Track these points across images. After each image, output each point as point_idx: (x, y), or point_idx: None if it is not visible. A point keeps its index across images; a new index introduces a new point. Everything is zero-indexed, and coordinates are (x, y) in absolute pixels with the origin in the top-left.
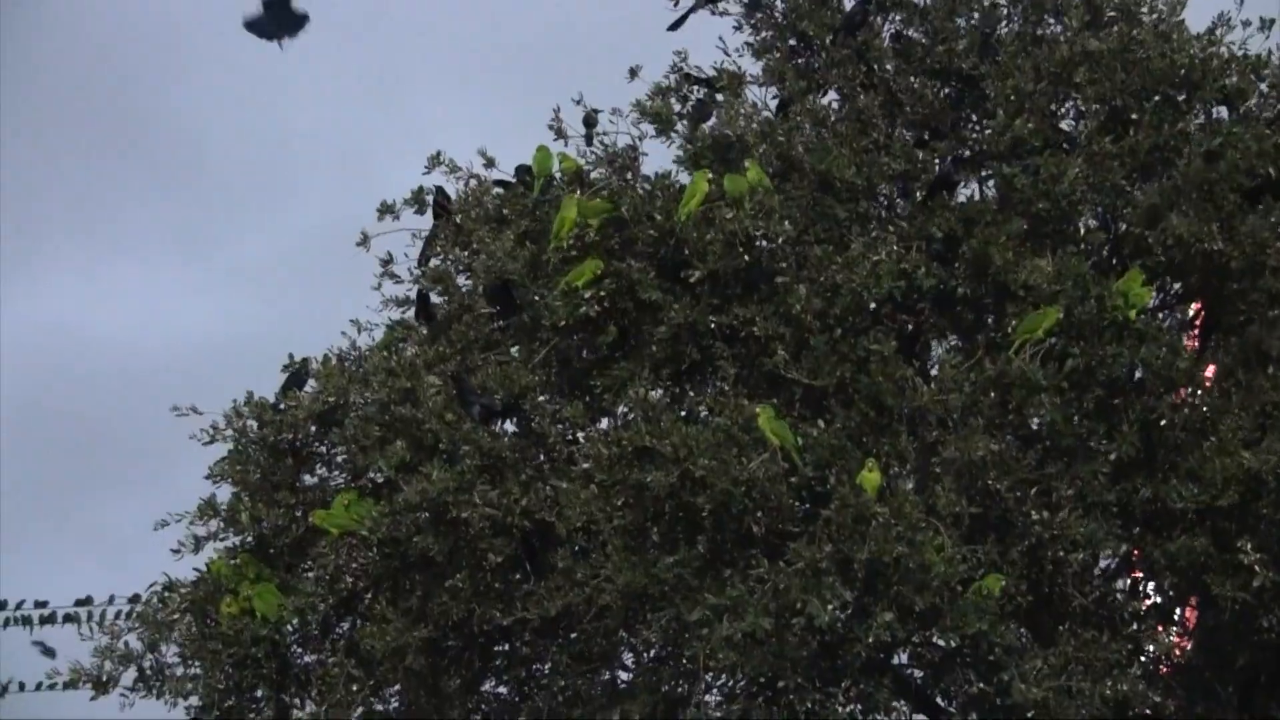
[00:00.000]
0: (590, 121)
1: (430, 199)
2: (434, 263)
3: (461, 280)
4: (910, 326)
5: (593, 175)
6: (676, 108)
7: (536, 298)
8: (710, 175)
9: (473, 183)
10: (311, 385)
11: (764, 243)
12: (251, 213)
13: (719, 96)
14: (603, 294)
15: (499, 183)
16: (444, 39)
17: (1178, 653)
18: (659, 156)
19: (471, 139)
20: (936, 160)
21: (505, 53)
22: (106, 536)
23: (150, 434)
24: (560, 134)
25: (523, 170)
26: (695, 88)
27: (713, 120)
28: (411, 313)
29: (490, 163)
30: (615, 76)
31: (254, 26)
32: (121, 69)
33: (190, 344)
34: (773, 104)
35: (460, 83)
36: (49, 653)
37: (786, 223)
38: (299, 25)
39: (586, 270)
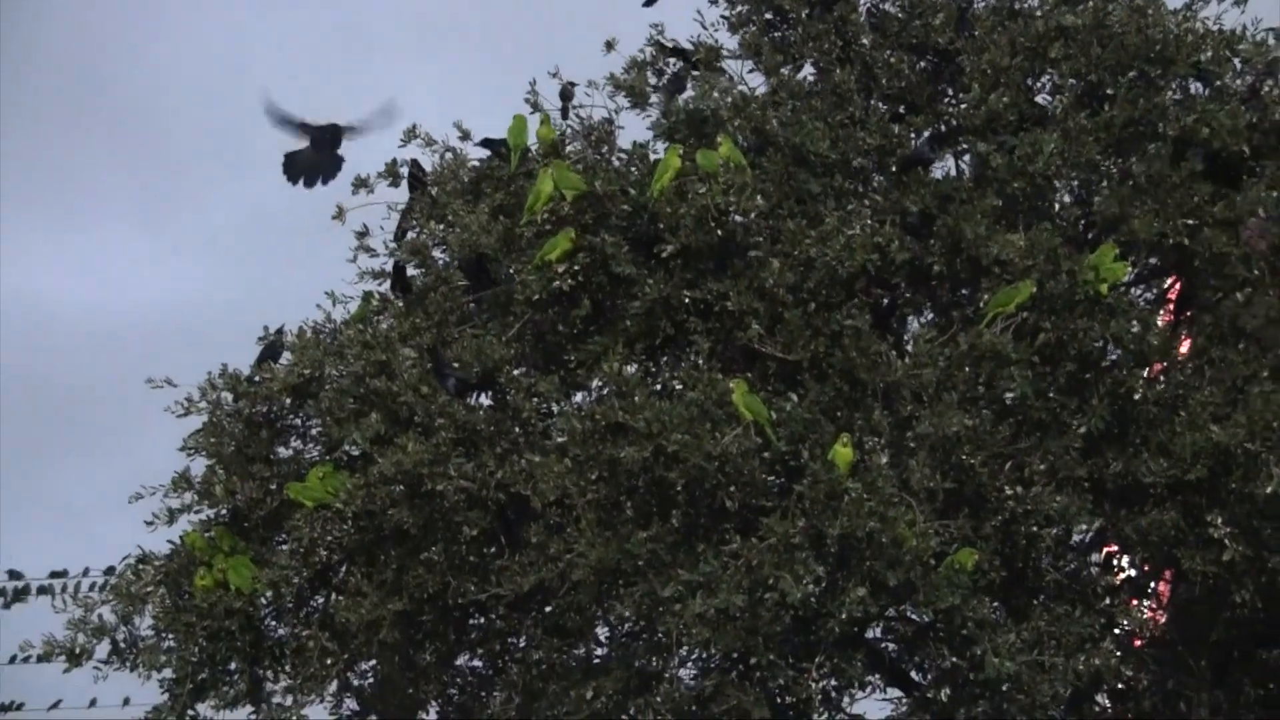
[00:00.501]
0: (566, 95)
1: (405, 171)
2: (410, 236)
3: (437, 253)
4: (884, 301)
5: (568, 149)
6: (653, 81)
7: (511, 271)
8: (682, 150)
9: (448, 156)
10: (286, 357)
11: (737, 217)
12: (216, 179)
13: (695, 71)
14: (576, 268)
15: (484, 143)
16: (413, 3)
17: (1151, 627)
18: (635, 130)
19: (442, 107)
20: (912, 135)
21: (478, 21)
22: (76, 509)
23: (120, 405)
24: (536, 107)
25: (492, 142)
26: (671, 61)
27: (688, 93)
28: (387, 286)
29: (465, 135)
30: (591, 49)
31: (292, 165)
32: (82, 34)
33: (158, 313)
34: (749, 78)
35: (429, 49)
36: None
37: (760, 197)
38: (335, 170)
39: (560, 243)
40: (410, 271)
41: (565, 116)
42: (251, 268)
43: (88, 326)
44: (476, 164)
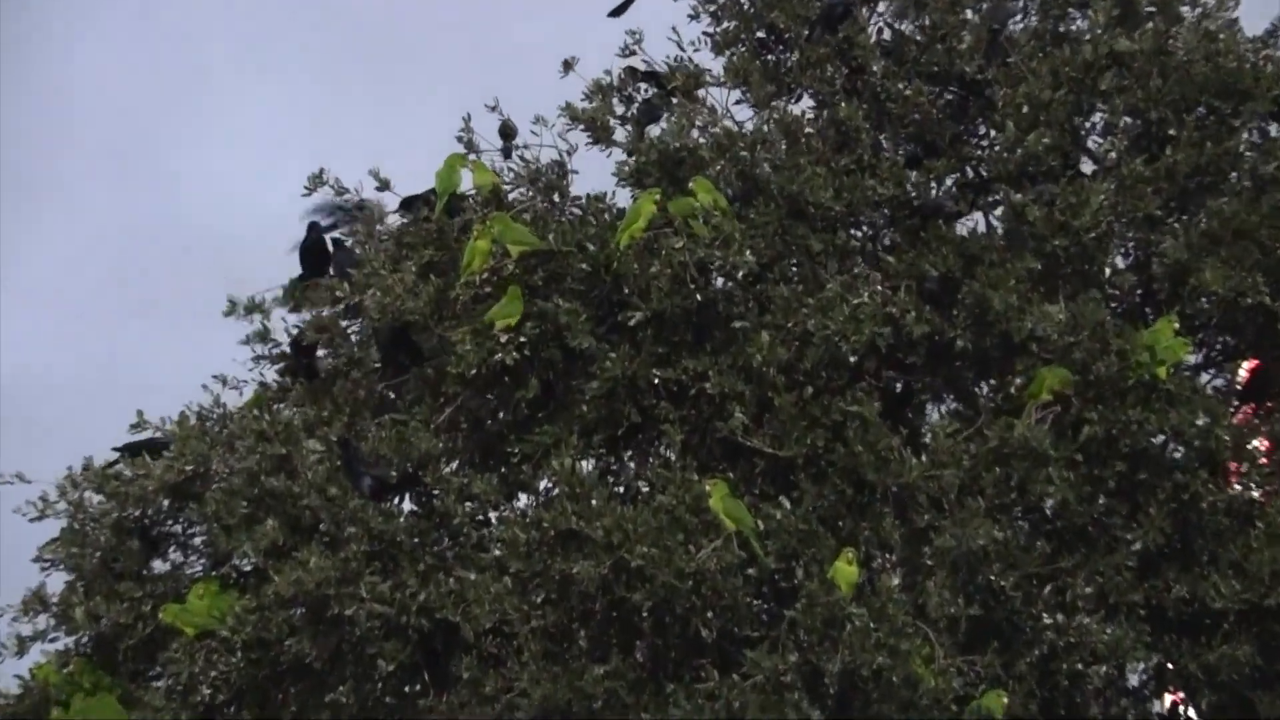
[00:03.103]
0: (508, 132)
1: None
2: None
3: (345, 321)
4: (897, 385)
5: (512, 196)
6: (618, 110)
7: (442, 341)
8: (657, 196)
9: (363, 205)
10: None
11: (720, 280)
12: (36, 220)
13: (670, 99)
14: (523, 339)
15: (404, 204)
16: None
17: None
18: (594, 172)
19: (357, 147)
20: (932, 183)
21: (396, 37)
22: None
23: None
24: (470, 146)
25: (412, 202)
26: (641, 87)
27: (661, 127)
28: (288, 368)
29: (384, 185)
30: (543, 72)
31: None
32: None
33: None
34: (735, 110)
35: (343, 72)
36: None
37: (748, 254)
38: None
39: (512, 307)
40: (308, 339)
41: (507, 157)
42: (119, 335)
43: None
44: (399, 217)
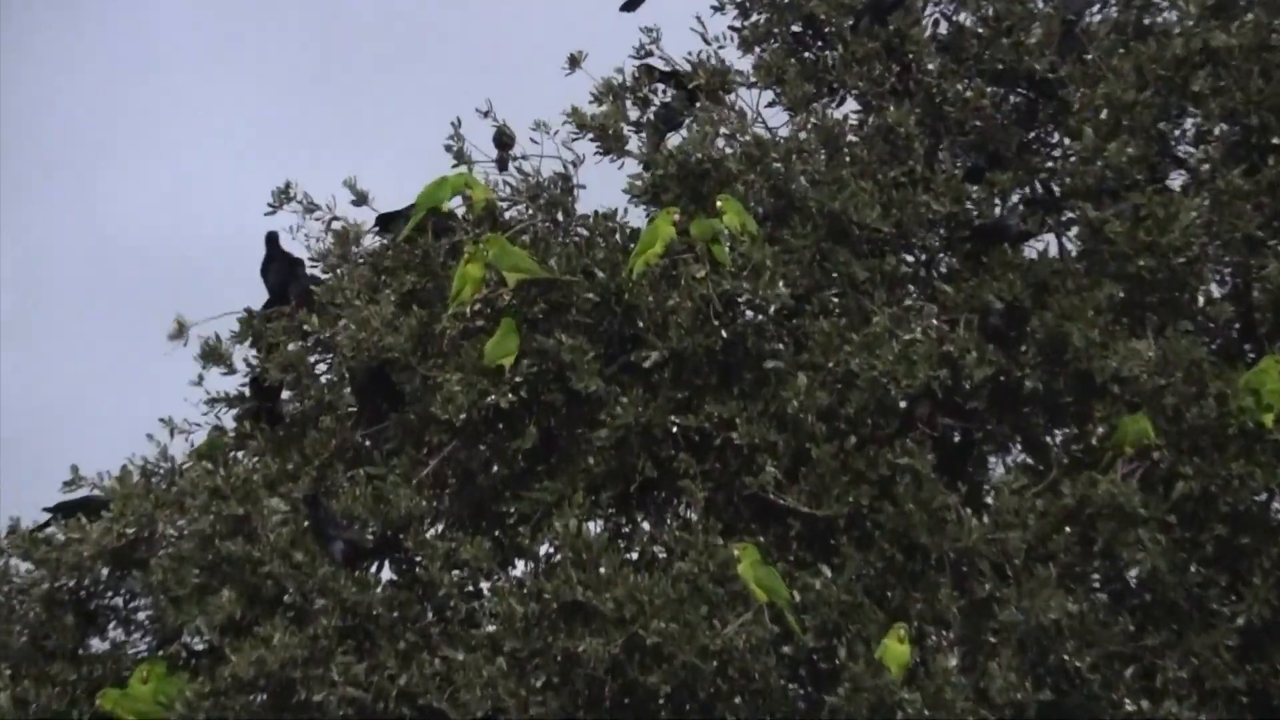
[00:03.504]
0: (504, 140)
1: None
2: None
3: (313, 359)
4: (955, 434)
5: (509, 214)
6: (633, 114)
7: (425, 384)
8: (677, 215)
9: (336, 225)
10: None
11: (749, 314)
12: None
13: (692, 103)
14: (520, 379)
15: (380, 221)
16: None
17: None
18: (604, 187)
19: (327, 160)
20: (996, 199)
21: (354, 35)
22: None
23: None
24: (460, 156)
25: (393, 218)
26: (659, 87)
27: (682, 135)
28: (251, 408)
29: (361, 199)
30: (545, 73)
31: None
32: None
33: None
34: (767, 114)
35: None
36: None
37: (781, 284)
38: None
39: (508, 342)
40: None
41: (503, 169)
42: (51, 375)
43: None
44: (377, 236)
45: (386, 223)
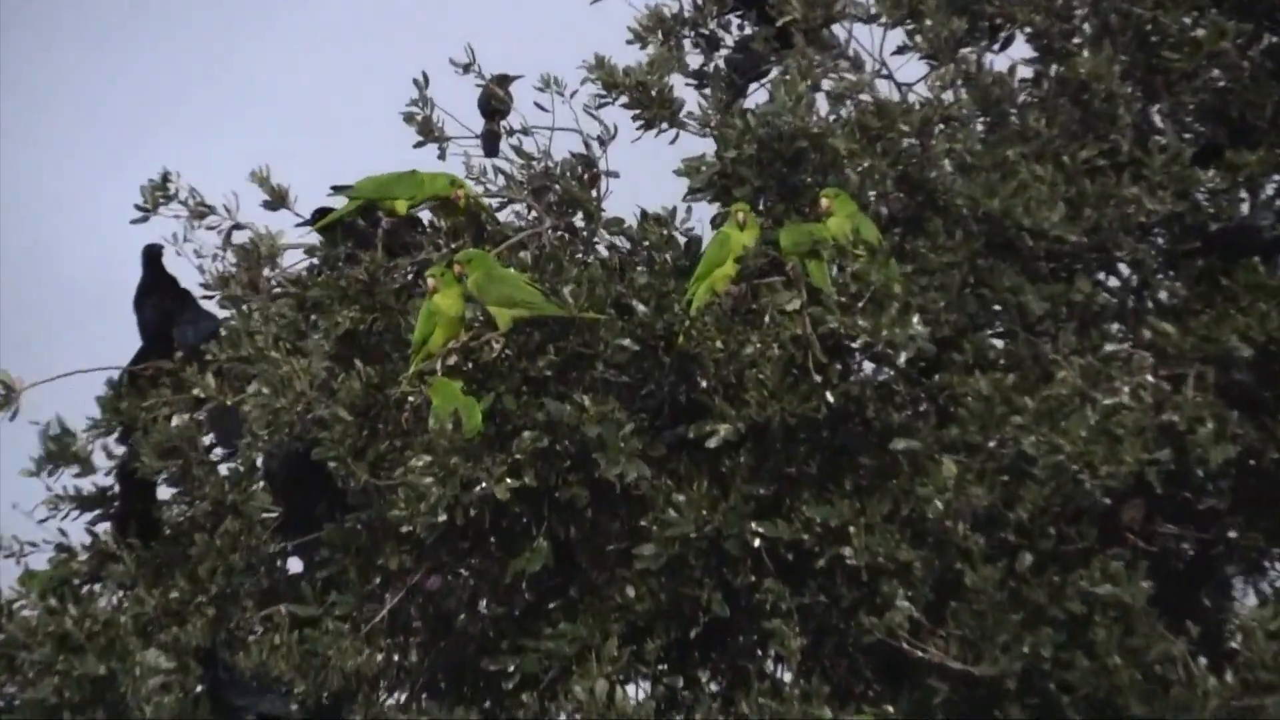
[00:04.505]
0: (494, 105)
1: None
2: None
3: (208, 440)
4: (1184, 547)
5: (502, 216)
6: (692, 62)
7: (378, 475)
8: (744, 216)
9: (236, 238)
10: None
11: (868, 365)
12: None
13: (788, 42)
14: (518, 456)
15: (315, 217)
16: None
17: None
18: (645, 174)
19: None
20: (1243, 191)
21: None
22: None
23: None
24: (427, 129)
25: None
26: (730, 19)
27: (767, 93)
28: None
29: (279, 199)
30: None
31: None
32: None
33: None
34: (894, 64)
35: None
36: None
37: (917, 321)
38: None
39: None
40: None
41: (493, 151)
42: None
43: None
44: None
45: (324, 229)
